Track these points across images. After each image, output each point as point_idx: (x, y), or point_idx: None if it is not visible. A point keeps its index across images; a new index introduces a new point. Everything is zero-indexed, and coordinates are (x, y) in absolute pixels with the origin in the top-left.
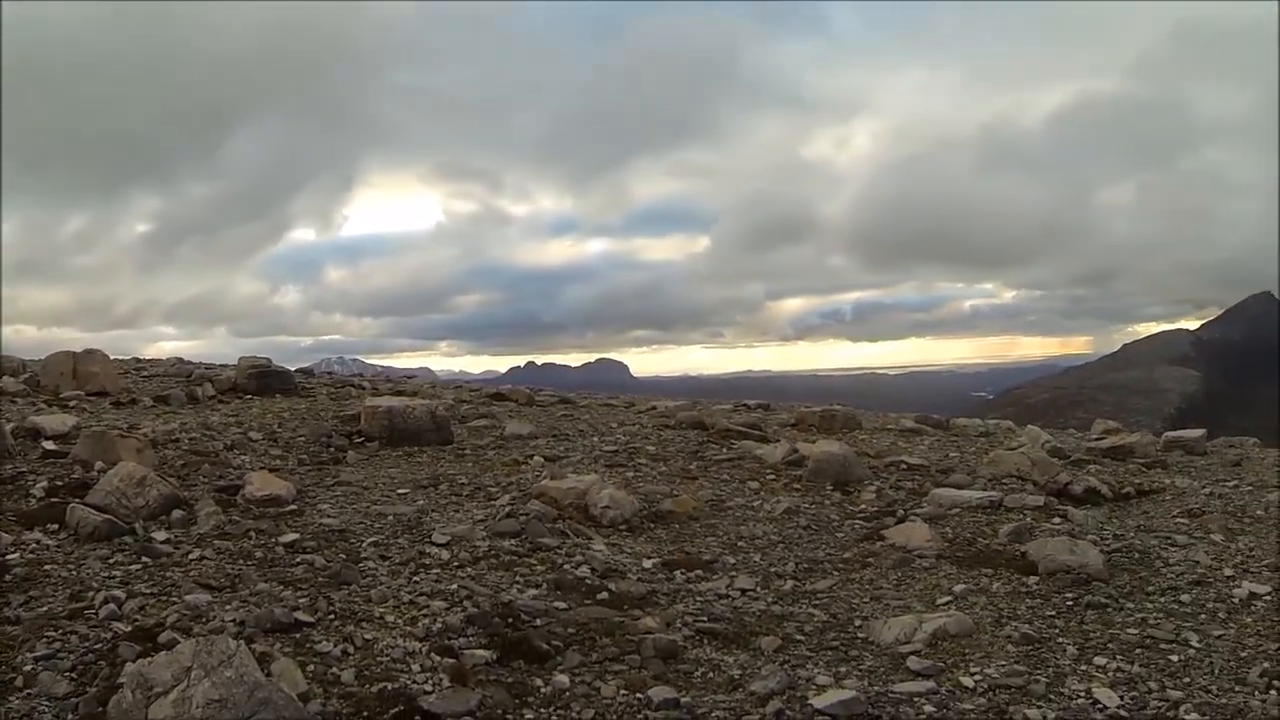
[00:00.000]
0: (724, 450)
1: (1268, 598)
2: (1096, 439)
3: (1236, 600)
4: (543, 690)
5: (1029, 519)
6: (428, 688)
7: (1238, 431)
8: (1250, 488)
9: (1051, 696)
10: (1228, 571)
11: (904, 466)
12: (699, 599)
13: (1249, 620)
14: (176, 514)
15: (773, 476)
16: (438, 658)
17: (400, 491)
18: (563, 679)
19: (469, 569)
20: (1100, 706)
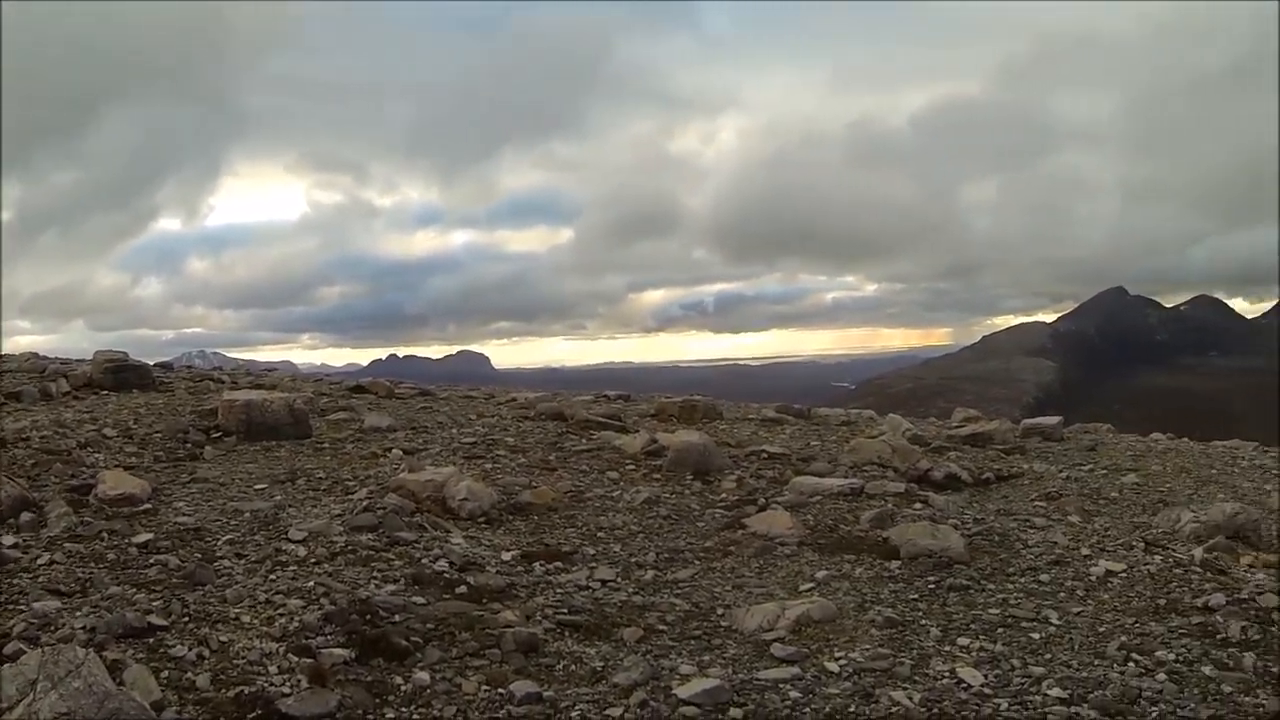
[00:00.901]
0: (583, 441)
1: (1123, 575)
2: (957, 427)
3: (1094, 578)
4: (403, 688)
5: (890, 505)
6: (286, 690)
7: (1093, 419)
8: (1105, 471)
9: (917, 678)
10: (1085, 551)
11: (765, 455)
12: (559, 591)
13: (1106, 597)
14: (25, 516)
15: (632, 467)
16: (295, 658)
17: (258, 487)
18: (423, 676)
19: (326, 565)
20: (965, 685)
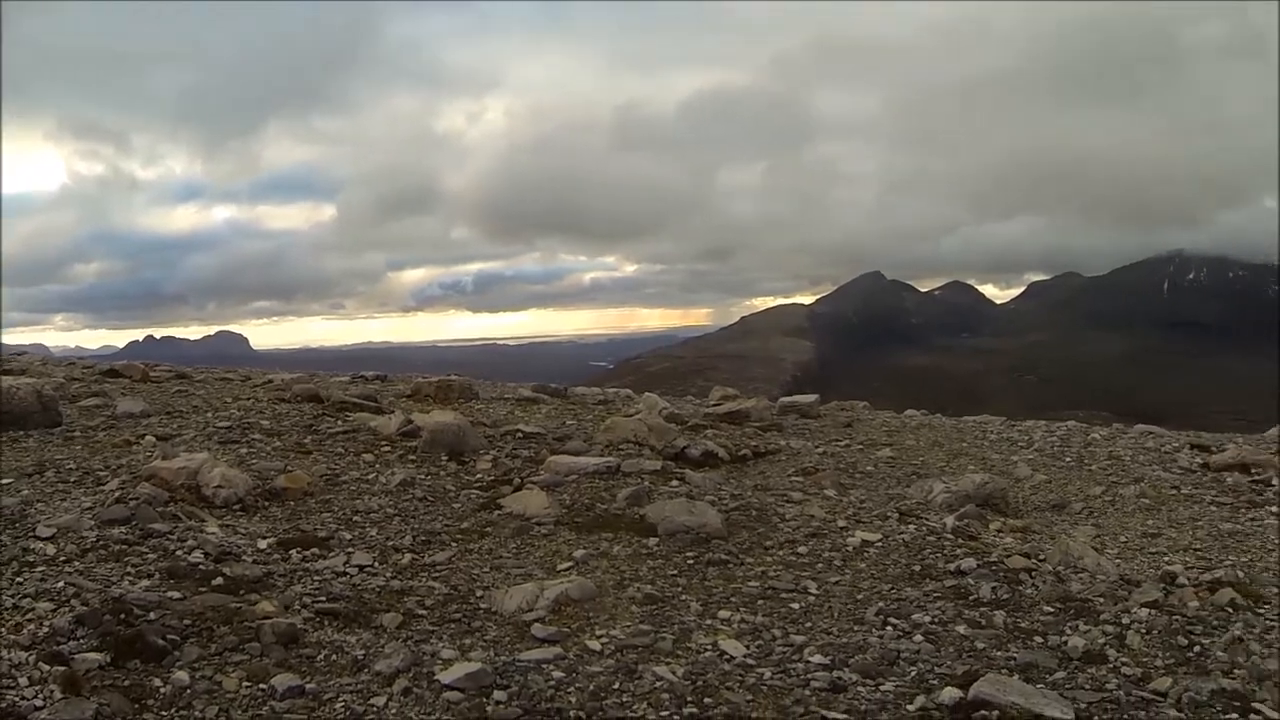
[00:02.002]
0: (339, 423)
1: (879, 544)
2: (714, 405)
3: (850, 548)
4: (162, 690)
5: (647, 483)
6: (38, 702)
7: (850, 397)
8: (861, 446)
9: (679, 652)
10: (841, 523)
11: (520, 435)
12: (317, 578)
13: (863, 566)
14: None
15: (388, 449)
16: (47, 667)
17: (4, 482)
18: (182, 676)
19: (77, 563)
20: (727, 657)
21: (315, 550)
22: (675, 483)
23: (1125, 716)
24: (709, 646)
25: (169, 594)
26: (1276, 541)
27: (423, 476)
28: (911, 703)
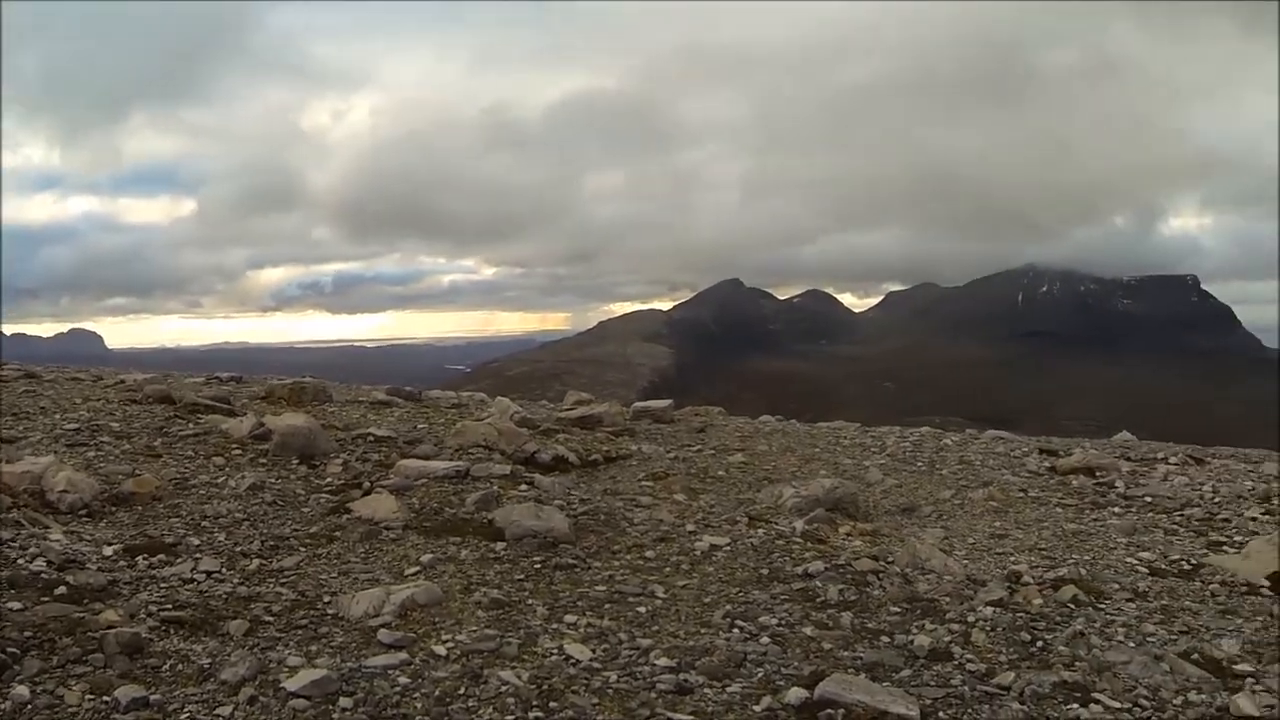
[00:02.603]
0: (191, 426)
1: (727, 548)
2: (568, 409)
3: (698, 552)
4: (1, 706)
5: (496, 487)
6: None
7: (708, 403)
8: (713, 451)
9: (525, 656)
10: (690, 527)
11: (372, 438)
12: (163, 586)
13: (710, 569)
14: None
15: (239, 451)
16: None
17: None
18: (22, 691)
19: None
20: (573, 661)
21: (162, 557)
22: (524, 487)
23: (969, 711)
24: (555, 650)
25: (9, 605)
26: (1118, 540)
27: (273, 480)
28: (758, 703)
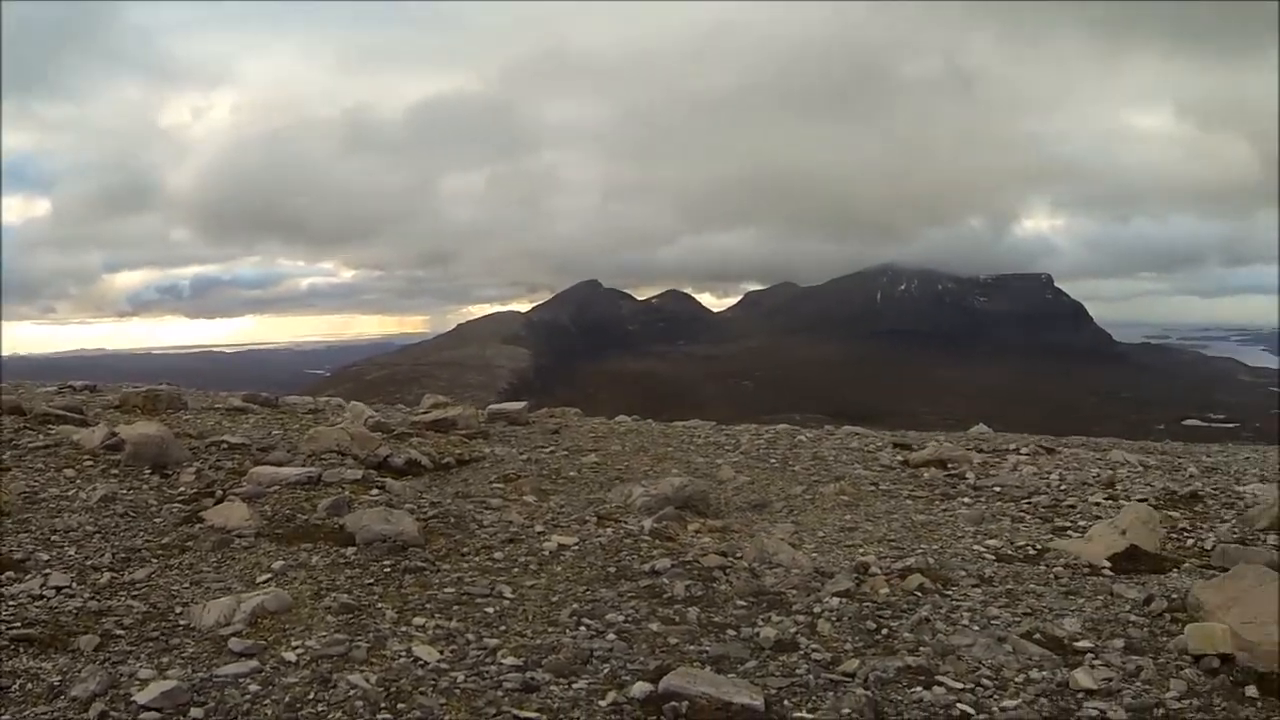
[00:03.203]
0: (41, 437)
1: (576, 547)
2: (423, 413)
3: (547, 552)
4: None
5: (347, 492)
6: None
7: (567, 404)
8: (566, 452)
9: (373, 660)
10: (539, 528)
11: (225, 446)
12: (12, 603)
13: (559, 569)
14: None
15: (90, 462)
16: None
17: None
18: None
19: None
20: (421, 662)
21: (11, 574)
22: (376, 491)
23: (813, 698)
24: (403, 653)
25: None
26: (966, 529)
27: (124, 491)
28: (603, 699)
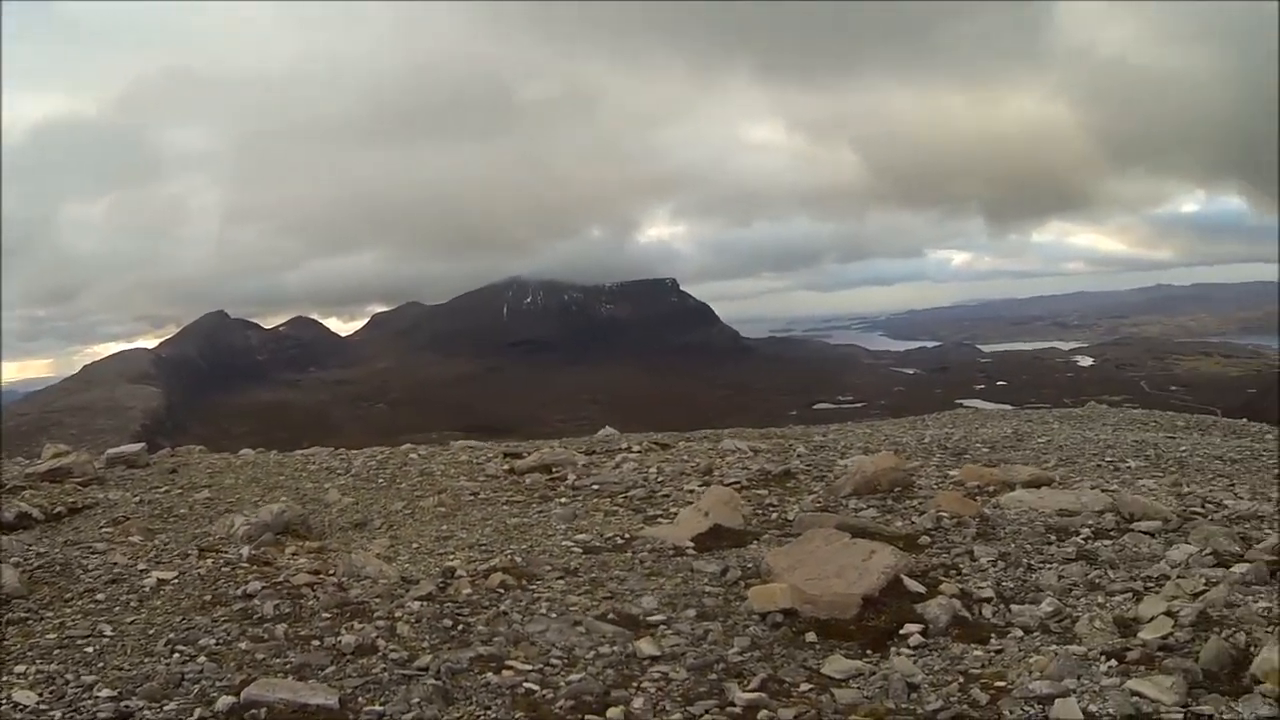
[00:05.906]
0: None
1: (175, 581)
2: (41, 464)
3: (147, 589)
4: None
5: None
6: None
7: (203, 440)
8: (180, 491)
9: None
10: (142, 566)
11: None
12: None
13: (158, 603)
14: None
15: None
16: None
17: None
18: None
19: None
20: (21, 706)
21: None
22: None
23: (386, 692)
24: (4, 700)
25: None
26: (558, 527)
27: None
28: (192, 715)
